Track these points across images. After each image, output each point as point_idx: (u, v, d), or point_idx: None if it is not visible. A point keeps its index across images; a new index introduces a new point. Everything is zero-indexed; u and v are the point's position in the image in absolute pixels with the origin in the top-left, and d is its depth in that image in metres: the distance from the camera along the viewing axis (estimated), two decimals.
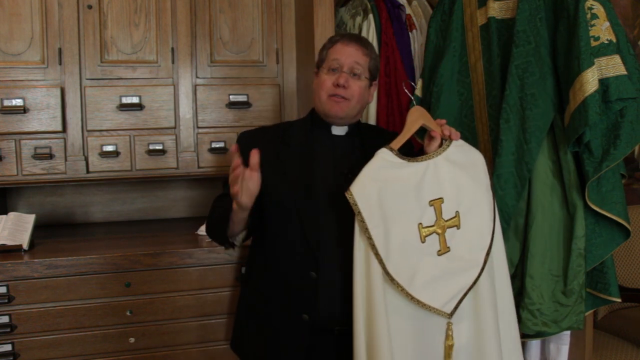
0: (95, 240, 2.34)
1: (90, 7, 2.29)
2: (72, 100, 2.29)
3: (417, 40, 2.26)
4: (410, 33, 2.26)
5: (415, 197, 1.51)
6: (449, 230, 1.53)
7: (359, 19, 2.24)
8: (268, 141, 1.70)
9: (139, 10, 2.34)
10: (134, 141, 2.35)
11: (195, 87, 2.41)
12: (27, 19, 2.24)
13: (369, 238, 1.47)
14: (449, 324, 1.51)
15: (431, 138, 1.60)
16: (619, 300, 1.83)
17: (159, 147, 2.37)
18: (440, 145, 1.58)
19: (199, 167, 2.43)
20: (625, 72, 1.68)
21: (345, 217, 1.52)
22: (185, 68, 2.39)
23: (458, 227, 1.54)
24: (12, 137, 2.24)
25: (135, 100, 2.33)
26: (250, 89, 2.45)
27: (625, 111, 1.71)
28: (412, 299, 1.47)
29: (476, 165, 1.60)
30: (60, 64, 2.28)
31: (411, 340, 1.50)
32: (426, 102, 2.01)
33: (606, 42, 1.69)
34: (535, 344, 2.02)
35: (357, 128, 1.74)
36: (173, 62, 2.38)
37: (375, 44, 2.17)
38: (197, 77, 2.42)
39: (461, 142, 1.61)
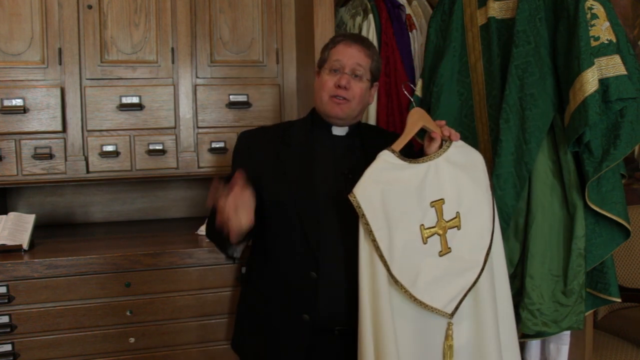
0: (95, 240, 2.34)
1: (90, 7, 2.29)
2: (72, 100, 2.29)
3: (417, 40, 2.26)
4: (410, 33, 2.26)
5: (417, 198, 1.51)
6: (449, 231, 1.53)
7: (359, 19, 2.24)
8: (268, 141, 1.70)
9: (139, 10, 2.34)
10: (134, 141, 2.35)
11: (195, 87, 2.41)
12: (27, 19, 2.24)
13: (374, 240, 1.46)
14: (449, 324, 1.51)
15: (431, 139, 1.60)
16: (619, 300, 1.83)
17: (159, 147, 2.37)
18: (441, 146, 1.59)
19: (199, 167, 2.43)
20: (625, 72, 1.68)
21: (346, 217, 1.52)
22: (185, 68, 2.39)
23: (459, 227, 1.55)
24: (12, 137, 2.24)
25: (135, 100, 2.33)
26: (250, 89, 2.45)
27: (625, 111, 1.71)
28: (414, 300, 1.47)
29: (476, 166, 1.60)
30: (60, 64, 2.28)
31: (412, 341, 1.50)
32: (426, 102, 2.01)
33: (606, 42, 1.69)
34: (535, 344, 2.02)
35: (358, 128, 1.74)
36: (173, 62, 2.38)
37: (375, 44, 2.16)
38: (197, 77, 2.42)
39: (461, 142, 1.61)
